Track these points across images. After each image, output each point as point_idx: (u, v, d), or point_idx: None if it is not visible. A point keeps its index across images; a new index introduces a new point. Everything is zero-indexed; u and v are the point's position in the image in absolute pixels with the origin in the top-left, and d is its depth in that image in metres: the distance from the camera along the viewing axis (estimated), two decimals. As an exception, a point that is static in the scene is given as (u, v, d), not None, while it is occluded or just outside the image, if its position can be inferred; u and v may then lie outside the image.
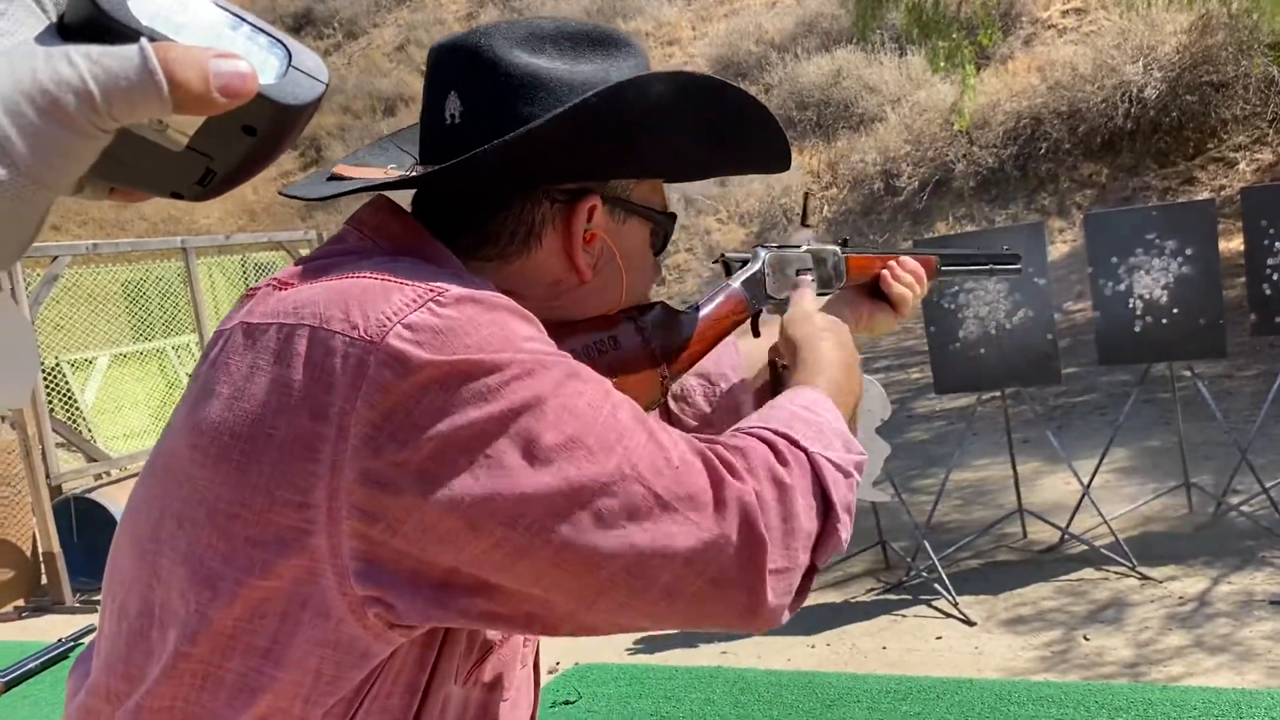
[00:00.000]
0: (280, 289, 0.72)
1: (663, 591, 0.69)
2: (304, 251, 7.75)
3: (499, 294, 0.71)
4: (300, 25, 23.46)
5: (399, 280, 0.68)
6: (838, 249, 1.17)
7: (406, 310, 0.66)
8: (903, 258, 1.22)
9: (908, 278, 1.20)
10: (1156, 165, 11.25)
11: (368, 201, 0.84)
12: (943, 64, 11.21)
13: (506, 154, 0.78)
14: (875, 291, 1.20)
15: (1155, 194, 10.86)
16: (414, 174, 0.85)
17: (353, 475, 0.63)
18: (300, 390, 0.64)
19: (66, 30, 0.46)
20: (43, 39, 0.45)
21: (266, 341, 0.67)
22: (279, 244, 7.81)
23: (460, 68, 0.83)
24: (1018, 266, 1.44)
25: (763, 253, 1.11)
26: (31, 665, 1.81)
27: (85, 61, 0.44)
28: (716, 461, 0.73)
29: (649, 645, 4.28)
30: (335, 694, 0.68)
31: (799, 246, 1.15)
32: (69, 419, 6.72)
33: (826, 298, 1.17)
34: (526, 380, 0.66)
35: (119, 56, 0.44)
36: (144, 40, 0.44)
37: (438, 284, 0.68)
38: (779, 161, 0.99)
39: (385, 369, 0.63)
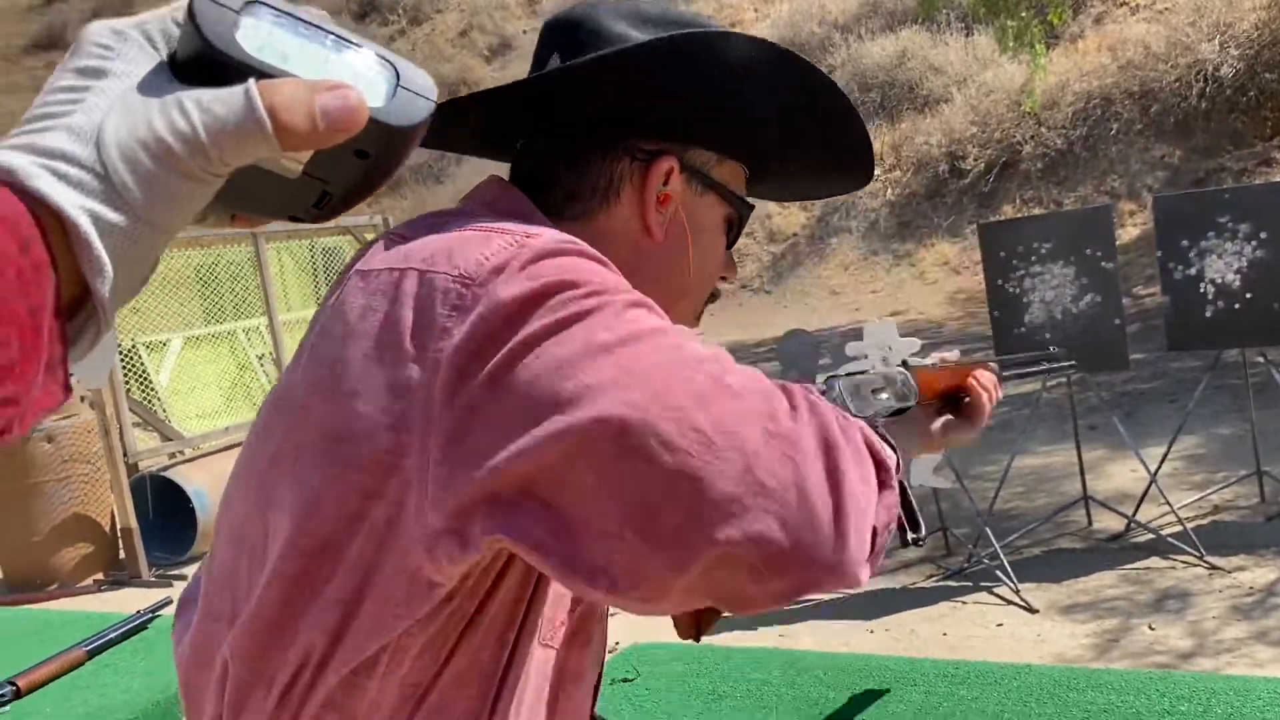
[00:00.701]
0: (394, 242, 0.76)
1: (728, 516, 0.65)
2: (369, 236, 7.87)
3: (586, 244, 0.73)
4: (365, 12, 23.71)
5: (498, 228, 0.72)
6: (902, 370, 1.16)
7: (502, 251, 0.69)
8: (979, 372, 1.22)
9: (987, 384, 1.22)
10: (1232, 146, 10.94)
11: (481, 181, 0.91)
12: (1011, 44, 11.01)
13: (581, 81, 0.83)
14: (946, 400, 1.20)
15: (1230, 176, 10.57)
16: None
17: (442, 400, 0.66)
18: (407, 324, 0.68)
19: (178, 67, 0.46)
20: (156, 78, 0.46)
21: (379, 284, 0.72)
22: (346, 229, 7.94)
23: (564, 36, 0.89)
24: (1071, 363, 1.50)
25: (837, 384, 1.12)
26: (112, 635, 1.88)
27: (196, 109, 0.44)
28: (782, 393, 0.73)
29: (707, 627, 4.31)
30: (407, 617, 0.71)
31: (864, 371, 1.16)
32: (145, 399, 6.92)
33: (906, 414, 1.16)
34: (600, 296, 0.69)
35: (227, 103, 0.45)
36: (250, 84, 0.45)
37: (532, 229, 0.72)
38: (860, 155, 0.98)
39: (480, 303, 0.67)
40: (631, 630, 4.18)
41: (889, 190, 14.33)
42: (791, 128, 0.93)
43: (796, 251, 14.55)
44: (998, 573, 4.38)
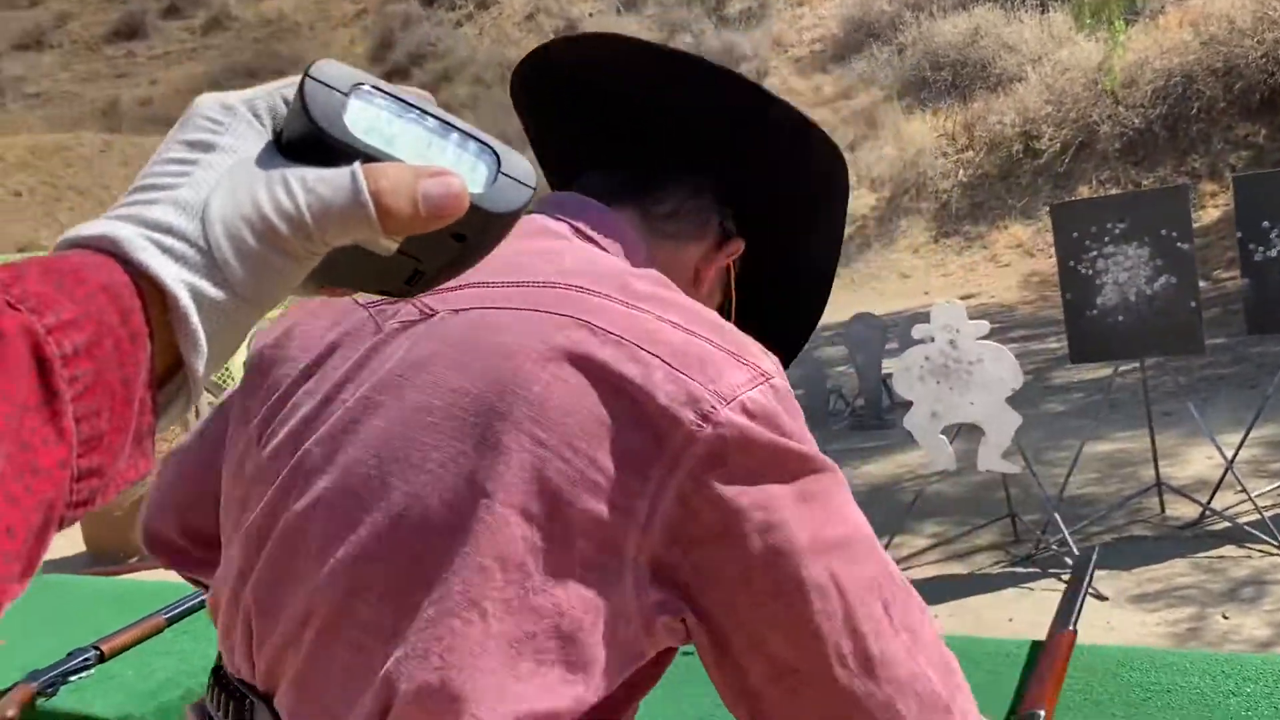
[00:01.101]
0: (556, 310, 0.73)
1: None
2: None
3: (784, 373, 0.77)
4: (435, -3, 23.90)
5: (738, 355, 0.74)
6: None
7: (752, 384, 0.72)
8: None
9: None
10: (1321, 124, 10.57)
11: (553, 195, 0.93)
12: (1089, 20, 10.76)
13: (721, 87, 0.88)
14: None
15: (1319, 154, 10.22)
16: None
17: (672, 505, 0.69)
18: (654, 414, 0.69)
19: (284, 144, 0.47)
20: (263, 157, 0.46)
21: (598, 370, 0.70)
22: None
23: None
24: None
25: None
26: (191, 603, 1.94)
27: (301, 189, 0.45)
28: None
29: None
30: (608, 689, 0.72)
31: None
32: (219, 378, 7.09)
33: None
34: (822, 475, 0.74)
35: (332, 184, 0.45)
36: (356, 168, 0.45)
37: (754, 360, 0.74)
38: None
39: (729, 428, 0.70)
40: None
41: (960, 171, 14.10)
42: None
43: (865, 234, 14.38)
44: (1067, 560, 4.31)
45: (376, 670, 0.69)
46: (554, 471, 0.68)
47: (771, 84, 17.97)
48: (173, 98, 22.55)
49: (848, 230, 14.48)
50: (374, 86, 0.48)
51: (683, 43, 19.49)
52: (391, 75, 22.78)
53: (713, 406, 0.69)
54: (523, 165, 0.50)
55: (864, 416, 7.43)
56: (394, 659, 0.68)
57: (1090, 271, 4.50)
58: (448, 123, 0.49)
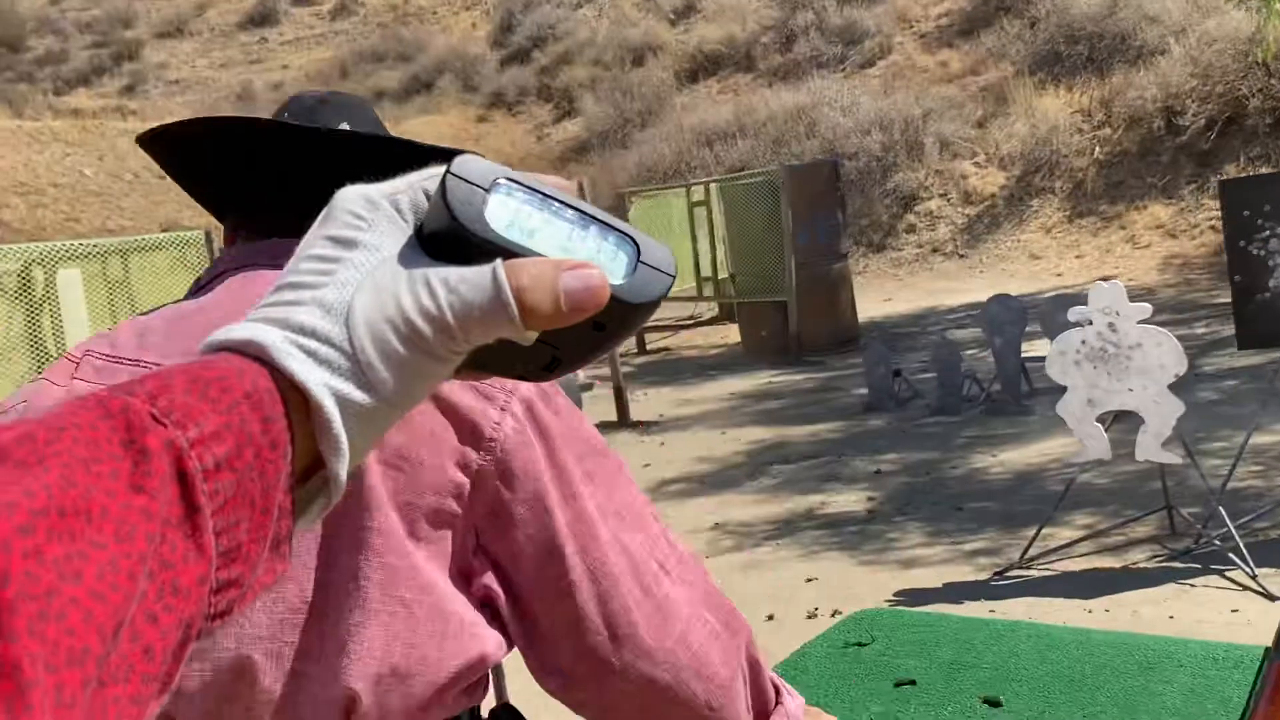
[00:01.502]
0: None
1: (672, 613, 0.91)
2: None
3: None
4: (555, -22, 24.01)
5: None
6: None
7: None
8: None
9: None
10: None
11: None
12: (1240, -12, 10.21)
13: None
14: None
15: None
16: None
17: (492, 483, 0.86)
18: (459, 416, 0.85)
19: (425, 238, 0.47)
20: (405, 255, 0.46)
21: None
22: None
23: (360, 113, 1.04)
24: None
25: None
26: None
27: (444, 290, 0.45)
28: None
29: (911, 598, 4.21)
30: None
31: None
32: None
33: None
34: (601, 453, 0.93)
35: (474, 285, 0.45)
36: (498, 266, 0.45)
37: None
38: None
39: (523, 411, 0.88)
40: (845, 599, 4.12)
41: (1097, 148, 13.56)
42: None
43: (994, 213, 13.96)
44: (1231, 555, 4.10)
45: (321, 693, 0.82)
46: (403, 483, 0.83)
47: (895, 60, 17.56)
48: (303, 82, 23.21)
49: (974, 211, 14.09)
50: (513, 179, 0.48)
51: (804, 20, 19.18)
52: (513, 58, 23.02)
53: (505, 401, 0.86)
54: (662, 254, 0.51)
55: (1000, 401, 7.20)
56: (339, 669, 0.82)
57: (1262, 252, 4.25)
58: (587, 214, 0.50)
